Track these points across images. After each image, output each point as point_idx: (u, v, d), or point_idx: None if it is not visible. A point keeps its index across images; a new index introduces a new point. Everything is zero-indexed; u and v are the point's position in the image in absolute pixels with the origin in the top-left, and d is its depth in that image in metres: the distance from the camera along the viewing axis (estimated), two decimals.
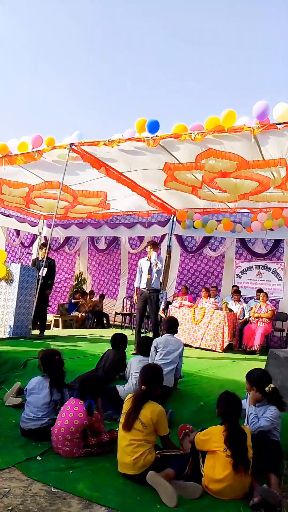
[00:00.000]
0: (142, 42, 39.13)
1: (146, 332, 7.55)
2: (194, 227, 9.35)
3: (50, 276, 7.40)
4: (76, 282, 11.55)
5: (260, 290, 8.47)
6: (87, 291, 11.05)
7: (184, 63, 42.35)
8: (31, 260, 8.58)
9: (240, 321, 7.92)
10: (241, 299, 8.51)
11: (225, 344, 7.04)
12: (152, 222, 10.26)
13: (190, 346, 7.21)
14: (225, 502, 2.45)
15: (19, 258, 7.76)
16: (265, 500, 2.33)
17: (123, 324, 9.76)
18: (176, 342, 4.21)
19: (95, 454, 2.97)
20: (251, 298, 8.76)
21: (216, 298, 8.36)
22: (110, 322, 10.41)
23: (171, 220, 10.01)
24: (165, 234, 10.23)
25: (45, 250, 7.33)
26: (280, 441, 2.96)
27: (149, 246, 6.27)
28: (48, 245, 7.39)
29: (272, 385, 2.97)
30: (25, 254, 10.70)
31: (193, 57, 42.43)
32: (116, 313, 10.23)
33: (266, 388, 2.94)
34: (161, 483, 2.45)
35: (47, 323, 8.01)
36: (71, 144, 6.11)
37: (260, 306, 7.92)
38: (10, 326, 6.36)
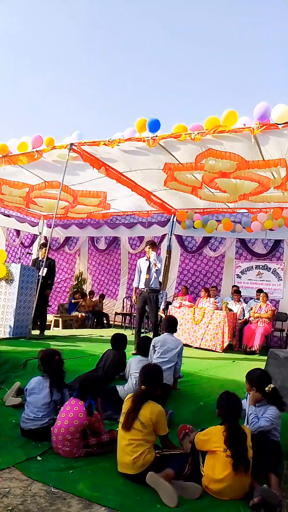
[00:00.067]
0: (142, 42, 39.15)
1: (146, 332, 7.55)
2: (194, 227, 9.35)
3: (50, 276, 7.40)
4: (76, 282, 11.55)
5: (260, 290, 8.47)
6: (87, 291, 11.06)
7: (184, 63, 42.36)
8: (31, 260, 8.58)
9: (240, 321, 7.92)
10: (241, 299, 8.51)
11: (225, 344, 7.04)
12: (152, 222, 10.26)
13: (190, 346, 7.21)
14: (225, 502, 2.45)
15: (19, 258, 7.76)
16: (265, 500, 2.33)
17: (123, 324, 9.76)
18: (175, 341, 4.22)
19: (95, 454, 2.97)
20: (251, 298, 8.76)
21: (216, 298, 8.36)
22: (110, 322, 10.41)
23: (171, 220, 10.01)
24: (165, 234, 10.23)
25: (45, 250, 7.33)
26: (280, 441, 2.96)
27: (148, 246, 6.26)
28: (48, 245, 7.39)
29: (272, 385, 2.98)
30: (25, 254, 10.70)
31: (193, 57, 42.44)
32: (116, 313, 10.23)
33: (266, 388, 2.94)
34: (161, 483, 2.45)
35: (47, 323, 8.01)
36: (71, 144, 6.11)
37: (260, 306, 7.92)
38: (10, 326, 6.36)
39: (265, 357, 4.26)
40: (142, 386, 2.87)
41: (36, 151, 6.38)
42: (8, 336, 6.31)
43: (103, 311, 10.67)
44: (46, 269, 6.97)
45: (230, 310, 7.75)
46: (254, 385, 3.01)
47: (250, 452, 2.57)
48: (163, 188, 7.68)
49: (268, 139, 5.07)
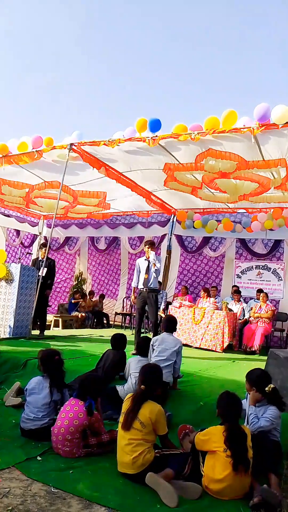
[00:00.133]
0: (142, 42, 39.16)
1: (146, 332, 7.55)
2: (194, 227, 9.35)
3: (50, 276, 7.40)
4: (76, 282, 11.54)
5: (260, 290, 8.47)
6: (87, 291, 11.06)
7: (184, 63, 42.36)
8: (31, 260, 8.58)
9: (240, 321, 7.92)
10: (241, 299, 8.51)
11: (225, 344, 7.04)
12: (152, 222, 10.26)
13: (190, 346, 7.21)
14: (225, 502, 2.45)
15: (19, 258, 7.75)
16: (265, 500, 2.33)
17: (123, 324, 9.76)
18: (173, 340, 4.23)
19: (95, 454, 2.97)
20: (251, 298, 8.76)
21: (216, 298, 8.36)
22: (110, 322, 10.41)
23: (171, 220, 10.01)
24: (165, 234, 10.23)
25: (45, 250, 7.33)
26: (280, 441, 2.96)
27: (147, 246, 6.25)
28: (48, 245, 7.39)
29: (272, 385, 2.97)
30: (25, 254, 10.69)
31: (193, 57, 42.44)
32: (116, 313, 10.23)
33: (266, 388, 2.94)
34: (161, 483, 2.45)
35: (47, 323, 8.01)
36: (71, 144, 6.11)
37: (260, 306, 7.92)
38: (10, 326, 6.36)
39: (265, 357, 4.26)
40: (142, 386, 2.87)
41: (36, 151, 6.38)
42: (8, 336, 6.31)
43: (103, 311, 10.66)
44: (46, 269, 6.97)
45: (230, 310, 7.75)
46: (254, 385, 3.00)
47: (250, 452, 2.57)
48: (163, 188, 7.67)
49: (268, 139, 5.07)
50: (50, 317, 9.18)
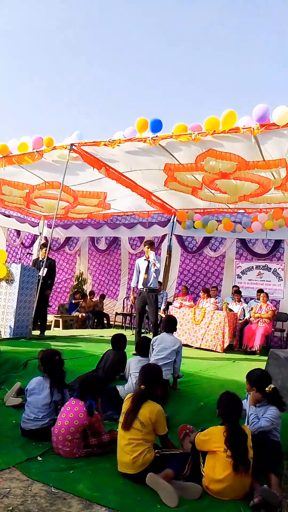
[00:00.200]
0: (142, 42, 39.17)
1: (146, 332, 7.55)
2: (194, 227, 9.35)
3: (50, 276, 7.40)
4: (77, 282, 11.55)
5: (260, 291, 8.46)
6: (88, 291, 11.06)
7: (184, 63, 42.37)
8: (32, 261, 8.58)
9: (240, 321, 7.92)
10: (241, 299, 8.51)
11: (226, 345, 7.04)
12: (152, 222, 10.25)
13: (191, 346, 7.21)
14: (225, 503, 2.45)
15: (20, 259, 7.77)
16: (265, 501, 2.33)
17: (123, 324, 9.76)
18: (173, 339, 4.23)
19: (95, 455, 2.98)
20: (251, 299, 8.76)
21: (216, 298, 8.36)
22: (111, 323, 10.42)
23: (171, 221, 10.01)
24: (165, 235, 10.23)
25: (46, 250, 7.33)
26: (280, 441, 2.96)
27: (147, 246, 6.25)
28: (48, 245, 7.39)
29: (272, 386, 2.98)
30: (26, 254, 10.70)
31: (193, 58, 42.45)
32: (117, 314, 10.22)
33: (266, 389, 2.94)
34: (161, 483, 2.45)
35: (47, 324, 8.02)
36: (72, 145, 6.11)
37: (260, 307, 7.92)
38: (10, 327, 6.36)
39: (266, 357, 4.26)
40: (142, 386, 2.87)
41: (36, 151, 6.38)
42: (8, 337, 6.31)
43: (104, 311, 10.67)
44: (46, 269, 6.97)
45: (231, 310, 7.75)
46: (254, 385, 3.01)
47: (250, 452, 2.57)
48: (164, 188, 7.67)
49: (268, 139, 5.06)
50: (50, 317, 9.19)
